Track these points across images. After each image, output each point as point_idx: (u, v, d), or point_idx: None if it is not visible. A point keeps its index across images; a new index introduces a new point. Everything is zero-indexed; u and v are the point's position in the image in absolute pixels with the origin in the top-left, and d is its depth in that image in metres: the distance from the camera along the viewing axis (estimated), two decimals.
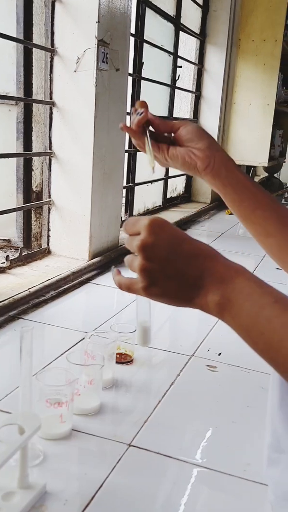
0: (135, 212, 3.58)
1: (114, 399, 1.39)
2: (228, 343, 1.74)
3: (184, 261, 0.57)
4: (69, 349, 1.64)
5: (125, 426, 1.28)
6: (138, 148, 0.89)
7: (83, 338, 1.71)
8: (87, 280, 2.34)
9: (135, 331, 1.60)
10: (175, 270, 0.57)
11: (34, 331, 1.75)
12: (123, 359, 1.59)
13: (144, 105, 0.88)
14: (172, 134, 0.88)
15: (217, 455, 1.20)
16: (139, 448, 1.20)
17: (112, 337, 1.49)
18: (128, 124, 0.89)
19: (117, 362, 1.54)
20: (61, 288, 2.16)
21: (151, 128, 0.87)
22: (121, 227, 2.99)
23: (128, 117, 3.11)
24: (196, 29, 4.32)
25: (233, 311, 0.56)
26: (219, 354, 1.70)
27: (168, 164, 0.89)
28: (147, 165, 0.86)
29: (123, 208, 3.30)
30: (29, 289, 1.98)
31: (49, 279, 2.12)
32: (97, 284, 2.33)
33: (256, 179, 6.54)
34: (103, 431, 1.25)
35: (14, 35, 2.25)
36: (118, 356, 1.57)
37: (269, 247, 0.87)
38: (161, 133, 0.87)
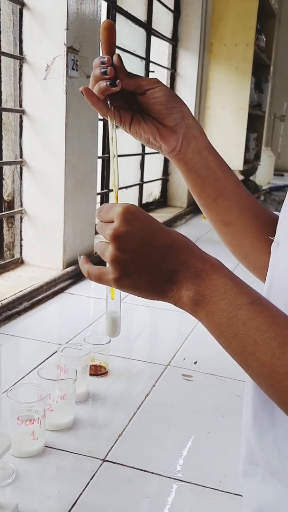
0: None
1: (88, 413, 1.37)
2: (204, 351, 1.74)
3: (158, 252, 0.54)
4: (42, 362, 1.61)
5: (99, 440, 1.26)
6: (98, 111, 0.74)
7: (56, 351, 1.69)
8: (61, 290, 2.31)
9: (109, 341, 1.58)
10: (149, 261, 0.54)
11: (7, 345, 1.72)
12: (98, 371, 1.56)
13: (110, 51, 0.70)
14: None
15: (193, 467, 1.19)
16: (113, 463, 1.19)
17: (85, 349, 1.47)
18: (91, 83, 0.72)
19: (91, 374, 1.52)
20: (35, 299, 2.12)
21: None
22: (96, 234, 2.97)
23: (100, 123, 3.10)
24: (168, 34, 4.33)
25: (207, 308, 0.54)
26: (195, 362, 1.69)
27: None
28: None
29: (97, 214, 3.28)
30: (1, 301, 1.94)
31: (21, 290, 2.09)
32: (71, 293, 2.30)
33: None
34: (76, 446, 1.23)
35: None
36: (92, 368, 1.55)
37: (225, 235, 0.84)
38: (126, 92, 0.73)
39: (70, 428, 1.29)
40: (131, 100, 0.74)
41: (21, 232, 2.48)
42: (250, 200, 0.84)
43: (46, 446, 1.21)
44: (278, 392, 0.53)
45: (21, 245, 2.49)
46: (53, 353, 1.67)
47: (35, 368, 1.56)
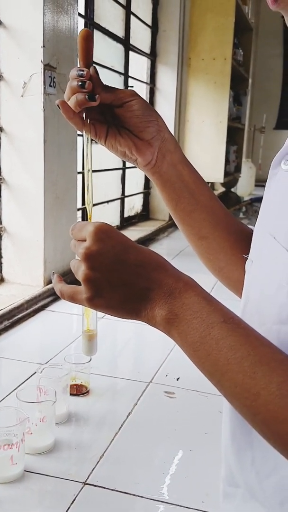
0: None
1: (68, 435, 1.35)
2: (186, 367, 1.71)
3: (130, 270, 0.54)
4: (22, 383, 1.59)
5: (80, 463, 1.24)
6: (73, 125, 0.73)
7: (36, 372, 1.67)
8: (42, 308, 2.29)
9: (90, 360, 1.57)
10: (121, 281, 0.54)
11: None
12: (79, 390, 1.54)
13: (87, 62, 0.70)
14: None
15: (175, 488, 1.18)
16: (94, 486, 1.16)
17: (66, 369, 1.45)
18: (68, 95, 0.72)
19: (72, 394, 1.50)
20: (15, 318, 2.10)
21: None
22: None
23: (79, 139, 3.10)
24: (146, 49, 4.36)
25: (180, 327, 0.54)
26: (177, 379, 1.68)
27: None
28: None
29: None
30: None
31: (1, 309, 2.06)
32: (52, 311, 2.28)
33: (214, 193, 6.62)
34: (57, 470, 1.21)
35: None
36: (73, 387, 1.53)
37: (200, 248, 0.84)
38: (101, 104, 0.72)
39: (50, 451, 1.27)
40: (106, 112, 0.74)
41: (0, 249, 2.45)
42: (225, 214, 0.84)
43: (25, 471, 1.19)
44: (250, 412, 0.52)
45: (1, 263, 2.47)
46: (33, 373, 1.65)
47: (14, 389, 1.54)
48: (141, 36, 4.20)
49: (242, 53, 5.25)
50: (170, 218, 4.76)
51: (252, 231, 0.86)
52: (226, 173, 4.92)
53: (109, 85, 0.71)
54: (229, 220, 0.84)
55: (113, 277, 0.54)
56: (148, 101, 4.48)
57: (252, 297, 0.68)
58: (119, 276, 0.54)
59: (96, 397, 1.55)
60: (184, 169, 0.78)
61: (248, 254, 0.85)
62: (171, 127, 4.53)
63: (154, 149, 0.75)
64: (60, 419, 1.38)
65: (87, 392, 1.56)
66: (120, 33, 3.77)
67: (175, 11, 4.34)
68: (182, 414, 1.49)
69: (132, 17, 3.89)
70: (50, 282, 2.46)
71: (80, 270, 0.54)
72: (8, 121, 2.30)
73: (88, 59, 0.73)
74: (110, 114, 0.74)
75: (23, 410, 1.20)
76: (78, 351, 1.77)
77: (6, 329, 2.01)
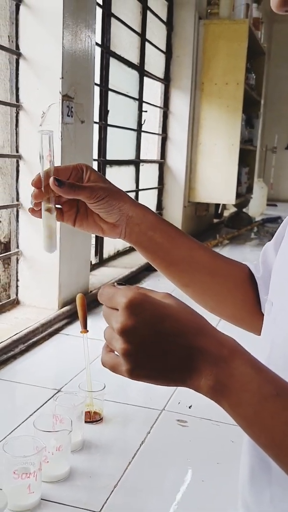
0: (105, 255, 3.60)
1: (83, 463, 1.38)
2: (198, 395, 1.75)
3: (169, 341, 0.52)
4: (37, 409, 1.62)
5: (95, 491, 1.27)
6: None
7: (54, 395, 1.70)
8: (57, 331, 2.33)
9: (104, 387, 1.60)
10: (161, 352, 0.53)
11: (3, 391, 1.73)
12: (93, 418, 1.57)
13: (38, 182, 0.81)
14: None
15: None
16: None
17: (81, 398, 1.48)
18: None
19: (86, 422, 1.53)
20: (30, 341, 2.14)
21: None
22: (91, 270, 3.00)
23: (95, 163, 3.17)
24: (160, 74, 4.45)
25: (230, 400, 0.52)
26: (190, 407, 1.70)
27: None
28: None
29: (92, 251, 3.32)
30: None
31: (17, 333, 2.11)
32: (66, 334, 2.32)
33: (226, 213, 6.66)
34: (72, 498, 1.24)
35: None
36: (87, 414, 1.56)
37: (191, 294, 0.89)
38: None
39: (65, 479, 1.30)
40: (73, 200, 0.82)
41: (17, 273, 2.51)
42: (210, 259, 0.88)
43: (42, 499, 1.22)
44: None
45: (17, 286, 2.52)
46: (49, 399, 1.68)
47: (30, 415, 1.58)
48: (155, 62, 4.29)
49: (254, 77, 5.32)
50: None
51: (248, 268, 0.90)
52: (238, 195, 4.96)
53: (76, 186, 0.79)
54: (216, 264, 0.89)
55: (152, 349, 0.53)
56: (161, 123, 4.56)
57: (276, 341, 0.70)
58: (158, 348, 0.52)
59: (110, 425, 1.58)
60: (155, 234, 0.84)
61: (252, 294, 0.89)
62: (183, 150, 4.60)
63: (120, 228, 0.83)
64: (75, 447, 1.42)
65: (101, 419, 1.59)
66: (135, 59, 3.86)
67: (189, 37, 4.44)
68: (195, 443, 1.52)
69: (147, 44, 3.98)
70: (64, 305, 2.50)
71: (117, 344, 0.54)
72: (27, 149, 2.36)
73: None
74: (77, 201, 0.82)
75: (39, 438, 1.24)
76: (92, 377, 1.80)
77: (22, 352, 2.05)
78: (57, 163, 2.33)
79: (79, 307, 1.64)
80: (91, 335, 2.23)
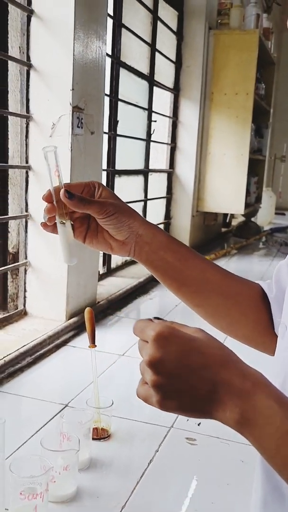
0: (113, 265, 3.59)
1: (91, 482, 1.36)
2: None
3: (194, 374, 0.54)
4: (45, 424, 1.60)
5: None
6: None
7: (61, 410, 1.68)
8: (64, 343, 2.31)
9: (112, 404, 1.58)
10: (187, 385, 0.54)
11: (9, 406, 1.71)
12: (100, 435, 1.55)
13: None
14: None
15: None
16: None
17: (88, 414, 1.46)
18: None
19: (93, 438, 1.51)
20: (37, 353, 2.12)
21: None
22: (98, 280, 2.98)
23: (104, 174, 3.16)
24: (170, 84, 4.45)
25: (254, 433, 0.54)
26: (199, 424, 1.68)
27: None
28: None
29: (100, 261, 3.31)
30: (4, 357, 1.95)
31: (25, 345, 2.09)
32: (74, 346, 2.30)
33: (234, 222, 6.64)
34: None
35: None
36: (94, 431, 1.54)
37: (202, 315, 0.88)
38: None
39: (73, 499, 1.28)
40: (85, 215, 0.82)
41: (25, 283, 2.50)
42: (222, 279, 0.87)
43: None
44: None
45: (24, 297, 2.51)
46: (56, 414, 1.66)
47: (37, 431, 1.56)
48: (165, 72, 4.29)
49: (264, 86, 5.31)
50: (192, 247, 4.78)
51: (261, 287, 0.88)
52: (247, 205, 4.94)
53: (86, 200, 0.78)
54: (228, 284, 0.87)
55: (179, 382, 0.54)
56: (170, 133, 4.56)
57: None
58: (184, 381, 0.54)
59: (117, 442, 1.56)
60: (166, 253, 0.82)
61: (269, 315, 0.87)
62: (192, 160, 4.59)
63: (129, 246, 0.82)
64: (82, 465, 1.39)
65: (109, 436, 1.57)
66: (145, 70, 3.86)
67: (199, 47, 4.44)
68: (204, 462, 1.49)
69: (157, 54, 3.98)
70: (72, 316, 2.49)
71: (147, 375, 0.55)
72: (36, 160, 2.36)
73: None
74: (88, 216, 0.82)
75: (46, 457, 1.22)
76: (99, 392, 1.78)
77: (29, 365, 2.04)
78: (67, 174, 2.34)
79: (87, 321, 1.62)
80: (99, 348, 2.21)
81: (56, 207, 0.79)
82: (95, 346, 1.61)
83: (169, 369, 0.54)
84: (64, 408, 1.72)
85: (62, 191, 0.77)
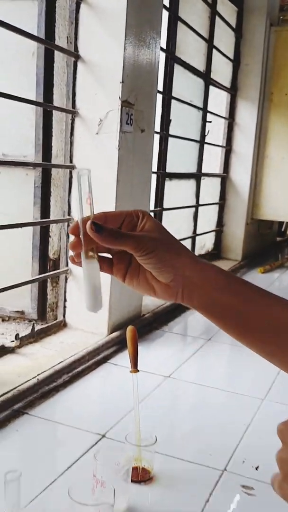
0: None
1: None
2: (266, 451, 1.47)
3: None
4: (78, 458, 1.40)
5: None
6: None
7: (97, 442, 1.47)
8: (105, 359, 2.11)
9: (156, 441, 1.36)
10: None
11: (40, 433, 1.52)
12: (141, 476, 1.33)
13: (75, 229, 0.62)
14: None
15: None
16: None
17: (127, 455, 1.24)
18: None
19: (133, 481, 1.29)
20: (75, 371, 1.93)
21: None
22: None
23: (154, 176, 2.95)
24: (227, 83, 4.20)
25: None
26: (257, 468, 1.43)
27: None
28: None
29: None
30: (37, 375, 1.76)
31: (61, 362, 1.90)
32: (115, 364, 2.09)
33: None
34: None
35: (33, 96, 2.13)
36: (134, 471, 1.32)
37: (277, 364, 0.70)
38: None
39: None
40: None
41: (65, 292, 2.31)
42: None
43: None
44: None
45: (64, 306, 2.33)
46: (91, 447, 1.46)
47: (69, 467, 1.35)
48: (222, 70, 4.06)
49: None
50: (243, 258, 4.51)
51: None
52: None
53: (124, 233, 0.62)
54: None
55: None
56: (225, 135, 4.31)
57: None
58: None
59: (161, 486, 1.33)
60: (222, 296, 0.66)
61: None
62: (248, 164, 4.33)
63: (175, 289, 0.66)
64: None
65: (151, 478, 1.34)
66: (201, 67, 3.64)
67: (259, 45, 4.18)
68: None
69: (214, 50, 3.76)
70: (114, 330, 2.29)
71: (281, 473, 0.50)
72: (82, 159, 2.18)
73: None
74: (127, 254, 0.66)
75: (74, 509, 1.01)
76: (141, 418, 1.56)
77: (65, 384, 1.84)
78: (113, 174, 2.15)
79: (129, 341, 1.42)
80: (142, 367, 1.98)
81: (82, 241, 0.61)
82: (138, 371, 1.40)
83: None
84: (100, 439, 1.51)
85: (88, 223, 0.61)
